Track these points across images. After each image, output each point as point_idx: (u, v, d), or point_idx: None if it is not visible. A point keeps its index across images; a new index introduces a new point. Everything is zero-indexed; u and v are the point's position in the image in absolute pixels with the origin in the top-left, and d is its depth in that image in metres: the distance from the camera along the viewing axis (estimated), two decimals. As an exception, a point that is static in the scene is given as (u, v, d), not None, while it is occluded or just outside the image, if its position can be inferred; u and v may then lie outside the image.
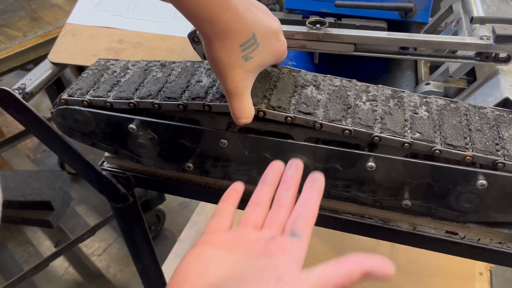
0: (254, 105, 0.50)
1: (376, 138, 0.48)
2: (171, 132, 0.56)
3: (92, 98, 0.55)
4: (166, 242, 1.70)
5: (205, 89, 0.53)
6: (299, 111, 0.50)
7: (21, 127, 2.34)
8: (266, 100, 0.51)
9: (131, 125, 0.55)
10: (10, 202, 1.41)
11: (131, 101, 0.54)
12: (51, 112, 0.58)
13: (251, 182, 0.58)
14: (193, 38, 0.64)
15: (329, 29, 0.60)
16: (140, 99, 0.54)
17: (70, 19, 0.74)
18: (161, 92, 0.54)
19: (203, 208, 1.51)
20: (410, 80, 0.70)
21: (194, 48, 0.66)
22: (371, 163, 0.49)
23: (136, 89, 0.55)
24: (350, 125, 0.49)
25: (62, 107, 0.56)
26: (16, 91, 0.62)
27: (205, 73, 0.56)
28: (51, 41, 1.03)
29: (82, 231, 1.44)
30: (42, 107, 2.39)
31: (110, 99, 0.54)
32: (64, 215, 1.48)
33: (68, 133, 0.60)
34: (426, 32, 0.71)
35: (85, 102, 0.55)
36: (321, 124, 0.49)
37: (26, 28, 1.04)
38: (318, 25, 0.60)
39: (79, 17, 0.75)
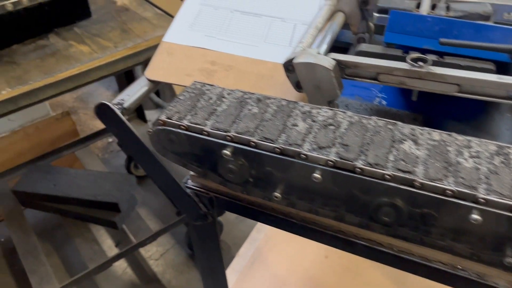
0: (349, 161, 0.50)
1: (481, 200, 0.45)
2: (263, 161, 0.56)
3: (190, 124, 0.56)
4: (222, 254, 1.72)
5: (302, 136, 0.53)
6: (398, 169, 0.49)
7: (93, 128, 2.47)
8: (364, 156, 0.50)
9: (225, 151, 0.56)
10: (82, 200, 1.48)
11: (229, 134, 0.54)
12: (148, 131, 0.60)
13: (339, 219, 0.58)
14: (288, 67, 0.64)
15: (432, 67, 0.57)
16: (237, 133, 0.54)
17: (166, 38, 0.77)
18: (258, 130, 0.55)
19: (263, 225, 1.51)
20: (511, 124, 0.66)
21: (288, 76, 0.66)
22: (476, 216, 0.46)
23: (233, 122, 0.56)
24: (452, 185, 0.46)
25: (160, 127, 0.58)
26: (116, 106, 0.64)
27: (301, 117, 0.57)
28: (140, 53, 1.08)
29: (145, 236, 1.48)
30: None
31: (207, 129, 0.55)
32: (128, 218, 1.53)
33: (161, 152, 0.62)
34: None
35: (182, 126, 0.57)
36: (421, 184, 0.47)
37: (117, 39, 1.10)
38: (420, 63, 0.58)
39: (174, 36, 0.77)
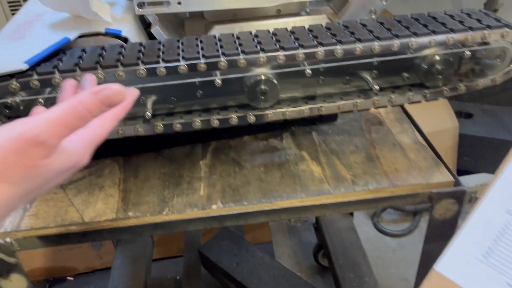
0: None
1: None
2: None
3: None
4: None
5: None
6: None
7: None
8: None
9: None
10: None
11: None
12: None
13: None
14: None
15: None
16: None
17: (440, 266, 0.48)
18: None
19: None
20: None
21: None
22: None
23: None
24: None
25: None
26: None
27: None
28: (378, 201, 0.82)
29: None
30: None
31: None
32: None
33: None
34: None
35: None
36: None
37: (357, 170, 0.86)
38: None
39: (454, 266, 0.48)
